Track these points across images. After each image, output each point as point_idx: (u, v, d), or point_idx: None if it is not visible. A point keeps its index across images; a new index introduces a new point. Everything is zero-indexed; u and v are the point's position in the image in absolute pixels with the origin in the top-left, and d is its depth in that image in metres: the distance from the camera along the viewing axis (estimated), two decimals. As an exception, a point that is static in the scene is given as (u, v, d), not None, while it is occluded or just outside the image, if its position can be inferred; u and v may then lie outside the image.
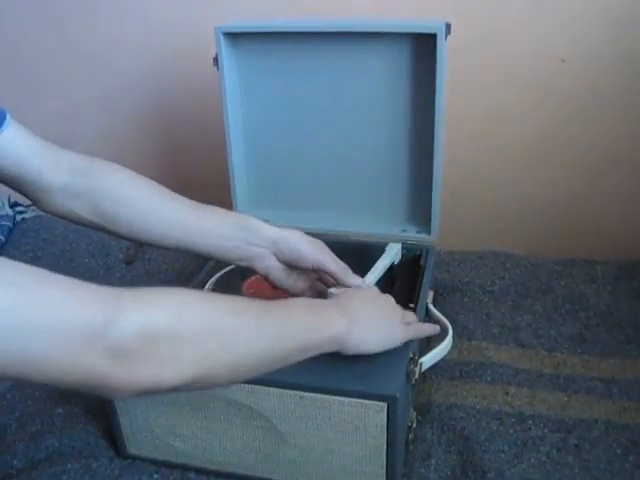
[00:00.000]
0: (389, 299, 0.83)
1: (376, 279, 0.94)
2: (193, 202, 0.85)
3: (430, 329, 0.86)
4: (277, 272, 0.86)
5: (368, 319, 0.77)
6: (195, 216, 0.83)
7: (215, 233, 0.83)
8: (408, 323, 0.82)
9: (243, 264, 0.86)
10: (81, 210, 0.81)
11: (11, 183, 0.80)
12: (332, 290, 0.85)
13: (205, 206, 0.85)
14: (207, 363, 0.57)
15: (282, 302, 0.69)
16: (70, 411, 0.95)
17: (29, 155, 0.78)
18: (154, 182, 0.85)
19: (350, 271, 0.86)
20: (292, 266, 0.86)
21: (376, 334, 0.77)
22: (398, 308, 0.83)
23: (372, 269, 0.96)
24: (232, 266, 1.00)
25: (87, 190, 0.80)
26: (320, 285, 0.91)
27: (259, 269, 0.86)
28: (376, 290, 0.86)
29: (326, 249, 0.87)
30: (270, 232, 0.84)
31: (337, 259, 0.86)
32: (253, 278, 1.00)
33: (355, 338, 0.73)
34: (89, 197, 0.81)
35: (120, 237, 0.85)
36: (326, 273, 0.86)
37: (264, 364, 0.64)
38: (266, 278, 0.87)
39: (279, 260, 0.86)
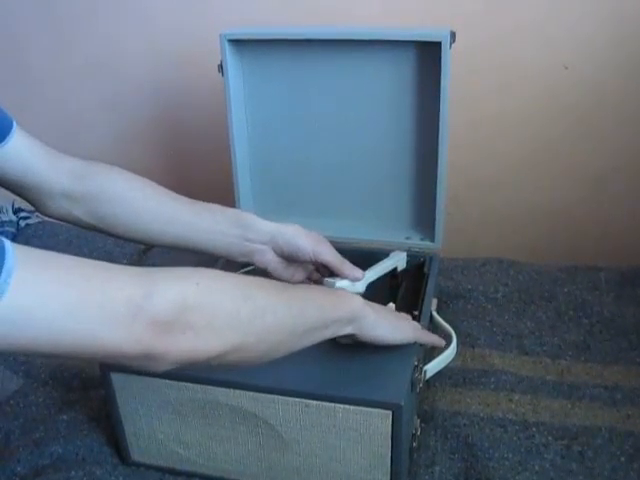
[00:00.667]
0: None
1: (375, 277, 0.94)
2: (190, 200, 0.86)
3: (438, 340, 0.88)
4: (275, 265, 0.87)
5: (381, 308, 0.80)
6: (192, 214, 0.84)
7: (212, 230, 0.84)
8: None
9: (243, 259, 0.88)
10: (80, 213, 0.84)
11: (14, 188, 0.82)
12: (328, 279, 0.86)
13: (202, 203, 0.86)
14: (240, 332, 0.60)
15: (299, 284, 0.73)
16: (74, 417, 0.95)
17: (33, 162, 0.80)
18: (150, 181, 0.86)
19: (349, 263, 0.87)
20: (290, 259, 0.87)
21: (389, 321, 0.80)
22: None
23: (373, 267, 0.96)
24: (237, 273, 1.00)
25: (85, 194, 0.83)
26: (317, 276, 0.92)
27: (258, 263, 0.87)
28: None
29: (324, 241, 0.87)
30: (267, 227, 0.85)
31: (336, 251, 0.87)
32: None
33: (370, 318, 0.76)
34: (87, 201, 0.83)
35: (119, 238, 0.87)
36: (324, 266, 0.86)
37: (292, 338, 0.66)
38: (265, 271, 0.88)
39: (277, 254, 0.86)
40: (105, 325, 0.50)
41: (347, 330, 0.74)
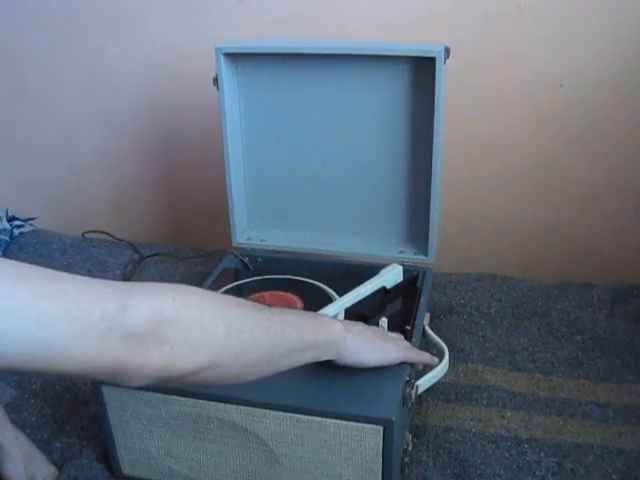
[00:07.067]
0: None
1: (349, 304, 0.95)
2: None
3: (429, 358, 0.87)
4: None
5: (362, 330, 0.80)
6: None
7: None
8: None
9: None
10: None
11: None
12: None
13: None
14: (216, 349, 0.59)
15: (278, 307, 0.72)
16: (65, 431, 0.94)
17: None
18: None
19: None
20: None
21: (371, 345, 0.79)
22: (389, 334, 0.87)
23: (350, 292, 0.97)
24: (231, 285, 1.01)
25: None
26: None
27: None
28: None
29: None
30: None
31: None
32: (256, 295, 1.00)
33: (351, 343, 0.76)
34: None
35: None
36: None
37: (269, 359, 0.66)
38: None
39: None
40: (78, 338, 0.50)
41: (328, 356, 0.74)
